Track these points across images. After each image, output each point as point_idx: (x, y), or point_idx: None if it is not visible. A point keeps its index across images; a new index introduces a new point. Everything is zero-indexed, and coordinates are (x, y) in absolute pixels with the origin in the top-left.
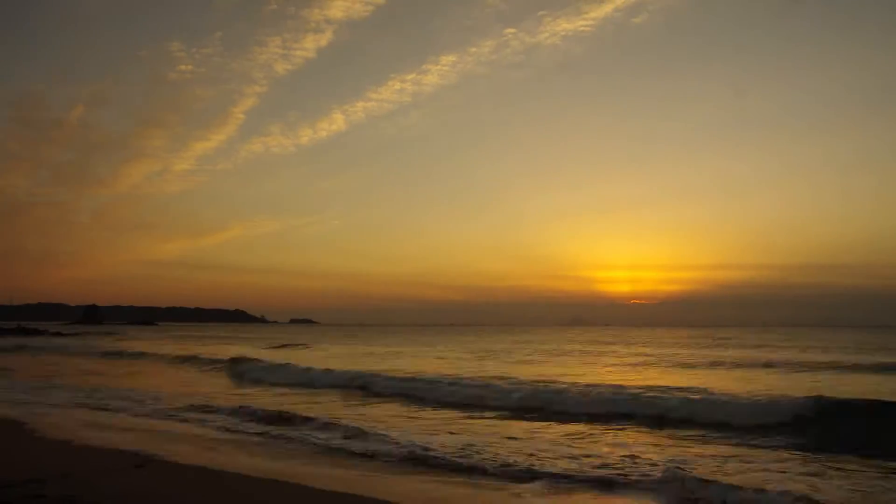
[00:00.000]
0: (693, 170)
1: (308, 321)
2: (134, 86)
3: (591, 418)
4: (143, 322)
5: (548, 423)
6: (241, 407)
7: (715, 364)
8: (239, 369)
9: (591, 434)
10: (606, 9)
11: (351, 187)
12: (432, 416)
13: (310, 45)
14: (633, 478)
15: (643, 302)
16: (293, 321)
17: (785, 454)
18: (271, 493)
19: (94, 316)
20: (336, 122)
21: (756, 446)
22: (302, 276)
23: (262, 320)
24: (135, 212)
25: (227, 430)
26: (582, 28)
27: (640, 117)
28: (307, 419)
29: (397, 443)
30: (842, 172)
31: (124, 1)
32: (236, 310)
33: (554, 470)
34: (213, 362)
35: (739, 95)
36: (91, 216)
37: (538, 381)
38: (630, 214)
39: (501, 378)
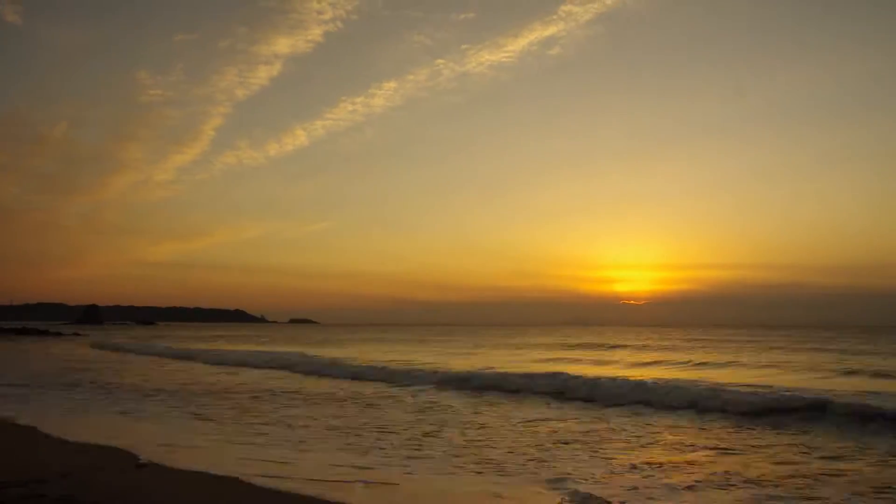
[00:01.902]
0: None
1: (308, 321)
2: (109, 107)
3: None
4: (142, 322)
5: None
6: None
7: None
8: None
9: None
10: (522, 42)
11: (325, 194)
12: None
13: (263, 75)
14: None
15: (642, 303)
16: (293, 321)
17: None
18: (272, 497)
19: (94, 316)
20: (299, 137)
21: None
22: (301, 277)
23: (262, 320)
24: (123, 216)
25: None
26: (504, 59)
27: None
28: None
29: None
30: (837, 171)
31: (93, 35)
32: (236, 310)
33: None
34: None
35: (740, 94)
36: (81, 221)
37: None
38: (611, 215)
39: None
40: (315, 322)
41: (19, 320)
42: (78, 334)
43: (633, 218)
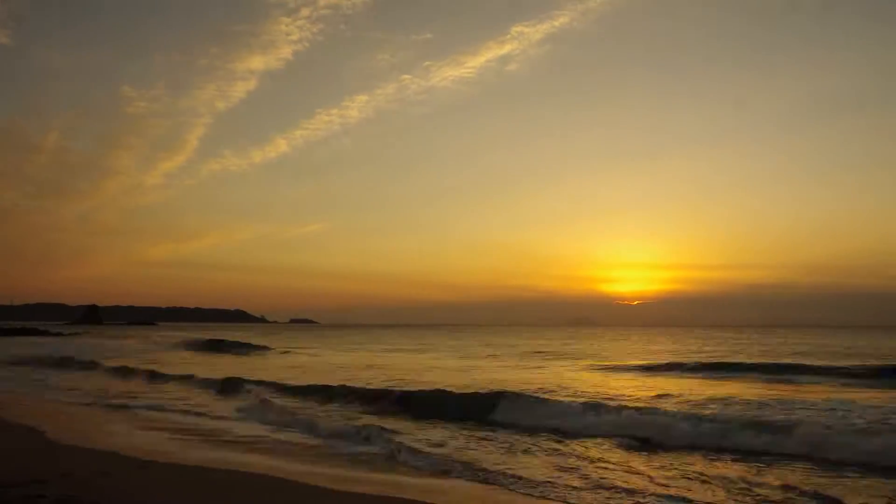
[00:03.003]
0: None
1: (308, 321)
2: (98, 118)
3: None
4: (142, 322)
5: None
6: None
7: None
8: None
9: None
10: (480, 59)
11: (310, 198)
12: None
13: (241, 89)
14: None
15: (644, 302)
16: (293, 321)
17: None
18: (272, 492)
19: (93, 316)
20: (280, 146)
21: None
22: (301, 277)
23: (262, 320)
24: (119, 219)
25: None
26: (466, 74)
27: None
28: None
29: None
30: (825, 176)
31: (77, 54)
32: (236, 310)
33: None
34: None
35: (739, 105)
36: (78, 223)
37: None
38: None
39: None
40: (315, 322)
41: (20, 320)
42: (77, 334)
43: (618, 221)
